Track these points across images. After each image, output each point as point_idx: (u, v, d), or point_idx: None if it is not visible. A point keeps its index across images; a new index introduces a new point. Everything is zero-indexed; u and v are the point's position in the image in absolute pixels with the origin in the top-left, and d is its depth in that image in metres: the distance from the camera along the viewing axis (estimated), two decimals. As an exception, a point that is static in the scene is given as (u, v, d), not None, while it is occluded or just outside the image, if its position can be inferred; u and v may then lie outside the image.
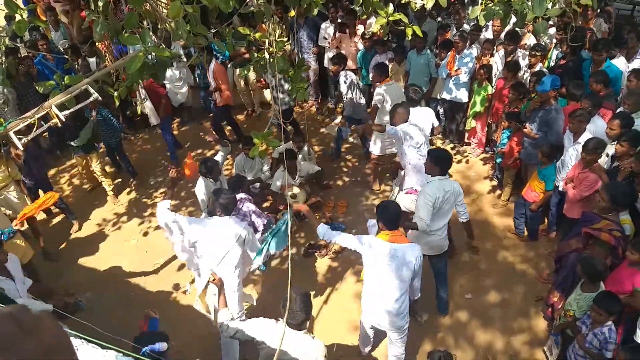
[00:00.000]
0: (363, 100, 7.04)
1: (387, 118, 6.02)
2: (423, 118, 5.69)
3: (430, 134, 5.92)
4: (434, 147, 5.72)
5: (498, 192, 6.52)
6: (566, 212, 4.99)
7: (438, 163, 4.32)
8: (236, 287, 4.20)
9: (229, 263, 4.09)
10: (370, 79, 7.42)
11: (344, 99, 7.10)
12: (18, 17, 3.07)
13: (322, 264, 5.64)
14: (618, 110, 5.09)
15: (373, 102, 6.43)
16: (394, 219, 3.69)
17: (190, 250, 4.28)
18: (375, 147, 6.45)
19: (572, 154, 4.91)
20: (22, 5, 3.27)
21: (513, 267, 5.44)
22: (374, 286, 3.84)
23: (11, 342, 0.65)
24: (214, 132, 7.94)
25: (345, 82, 6.82)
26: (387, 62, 7.35)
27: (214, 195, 4.78)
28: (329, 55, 8.09)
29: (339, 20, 7.96)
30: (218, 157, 5.96)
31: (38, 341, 0.69)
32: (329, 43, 7.95)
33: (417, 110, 5.73)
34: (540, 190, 5.21)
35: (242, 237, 4.11)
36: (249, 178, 6.53)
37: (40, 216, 6.62)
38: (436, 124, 6.05)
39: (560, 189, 5.10)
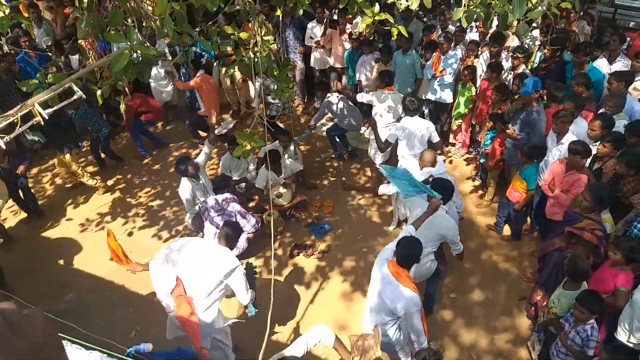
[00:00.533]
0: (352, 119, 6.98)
1: (385, 122, 6.12)
2: (420, 129, 5.58)
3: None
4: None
5: (481, 192, 6.59)
6: (550, 216, 5.01)
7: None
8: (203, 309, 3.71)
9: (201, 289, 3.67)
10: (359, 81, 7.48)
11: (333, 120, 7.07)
12: (0, 14, 3.03)
13: (309, 263, 5.64)
14: (599, 111, 5.17)
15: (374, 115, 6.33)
16: (405, 260, 3.48)
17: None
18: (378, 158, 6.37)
19: (555, 154, 4.97)
20: (4, 2, 3.21)
21: (496, 266, 5.50)
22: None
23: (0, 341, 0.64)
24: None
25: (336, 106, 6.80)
26: (373, 62, 7.39)
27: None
28: (315, 55, 8.10)
29: (334, 17, 7.97)
30: (201, 156, 5.96)
31: (27, 340, 0.68)
32: (316, 43, 7.96)
33: (415, 120, 5.60)
34: (523, 190, 5.27)
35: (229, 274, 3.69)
36: (234, 178, 6.52)
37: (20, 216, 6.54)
38: (435, 139, 5.71)
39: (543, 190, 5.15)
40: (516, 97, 5.68)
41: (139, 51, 2.70)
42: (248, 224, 5.49)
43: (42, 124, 3.15)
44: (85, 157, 7.69)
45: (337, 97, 6.82)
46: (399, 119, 5.93)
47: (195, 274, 3.59)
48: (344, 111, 6.83)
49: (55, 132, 6.55)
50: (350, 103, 6.94)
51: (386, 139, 5.74)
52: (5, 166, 5.84)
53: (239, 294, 3.72)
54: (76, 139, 6.81)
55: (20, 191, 6.27)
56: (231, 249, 3.81)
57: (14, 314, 0.70)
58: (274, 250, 5.81)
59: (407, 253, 3.44)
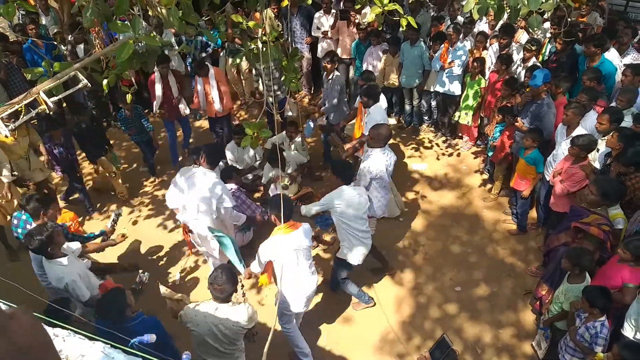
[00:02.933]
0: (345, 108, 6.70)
1: None
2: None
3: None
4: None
5: (489, 185, 6.54)
6: (552, 207, 5.04)
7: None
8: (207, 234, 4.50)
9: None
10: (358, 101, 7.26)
11: (326, 102, 6.59)
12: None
13: (313, 254, 5.62)
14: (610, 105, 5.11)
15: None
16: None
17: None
18: None
19: (564, 147, 4.92)
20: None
21: (502, 260, 5.47)
22: None
23: None
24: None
25: (336, 84, 6.38)
26: (381, 54, 7.33)
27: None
28: (323, 45, 8.03)
29: (342, 7, 7.89)
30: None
31: (9, 341, 0.64)
32: (323, 33, 7.90)
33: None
34: (530, 174, 5.23)
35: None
36: (239, 168, 6.49)
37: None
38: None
39: (548, 181, 5.11)
40: (527, 89, 5.61)
41: (143, 41, 2.67)
42: (253, 215, 5.46)
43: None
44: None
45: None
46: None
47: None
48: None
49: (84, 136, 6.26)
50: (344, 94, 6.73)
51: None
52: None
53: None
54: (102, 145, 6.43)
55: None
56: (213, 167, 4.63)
57: None
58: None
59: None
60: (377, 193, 4.99)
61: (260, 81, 7.07)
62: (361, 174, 4.87)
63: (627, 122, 4.70)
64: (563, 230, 4.32)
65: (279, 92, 6.92)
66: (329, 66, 6.39)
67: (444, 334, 4.21)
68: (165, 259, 5.73)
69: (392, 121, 7.95)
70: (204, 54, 7.88)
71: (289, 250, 3.84)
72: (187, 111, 6.91)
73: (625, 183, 4.22)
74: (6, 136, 3.11)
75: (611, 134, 4.45)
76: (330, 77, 6.42)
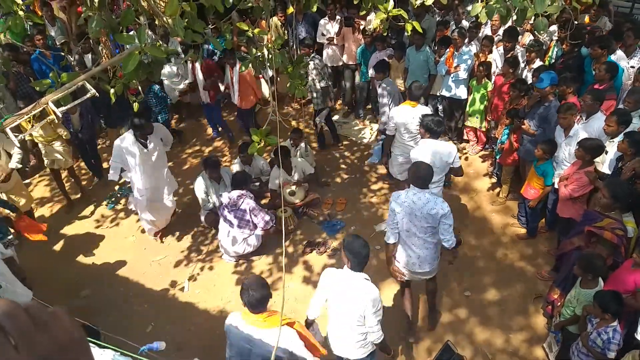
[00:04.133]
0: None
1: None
2: (442, 153, 4.87)
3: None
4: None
5: (497, 189, 6.51)
6: (559, 212, 4.99)
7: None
8: None
9: None
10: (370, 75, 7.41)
11: (381, 111, 6.73)
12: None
13: (321, 261, 5.62)
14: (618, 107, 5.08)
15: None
16: None
17: None
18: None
19: (565, 149, 4.92)
20: (19, 1, 3.23)
21: (512, 264, 5.44)
22: None
23: (24, 337, 0.62)
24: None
25: (386, 92, 6.51)
26: (386, 59, 7.34)
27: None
28: (328, 51, 8.06)
29: (345, 14, 7.94)
30: (236, 167, 6.04)
31: (51, 338, 0.66)
32: (328, 39, 7.92)
33: (437, 144, 4.89)
34: (540, 186, 5.19)
35: None
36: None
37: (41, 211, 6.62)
38: (457, 164, 4.92)
39: (555, 186, 5.09)
40: (535, 91, 5.59)
41: (148, 52, 2.69)
42: (262, 221, 5.48)
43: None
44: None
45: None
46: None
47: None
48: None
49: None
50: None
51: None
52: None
53: None
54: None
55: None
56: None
57: (39, 311, 0.67)
58: (286, 247, 5.81)
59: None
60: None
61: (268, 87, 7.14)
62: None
63: (635, 123, 4.67)
64: (576, 234, 4.28)
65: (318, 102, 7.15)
66: (306, 50, 6.90)
67: (448, 341, 4.16)
68: (173, 266, 5.74)
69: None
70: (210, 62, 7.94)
71: None
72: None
73: (636, 187, 4.18)
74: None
75: (622, 139, 4.41)
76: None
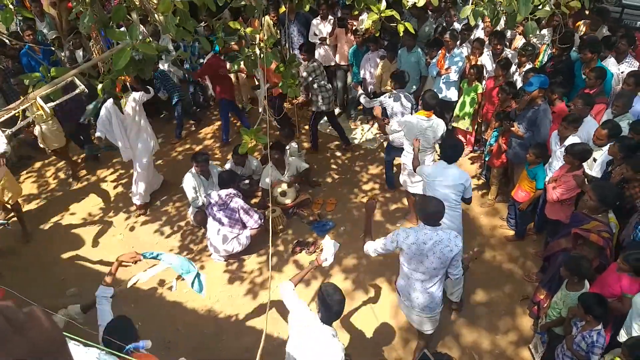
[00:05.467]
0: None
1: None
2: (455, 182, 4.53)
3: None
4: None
5: (485, 191, 6.55)
6: (547, 214, 5.04)
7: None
8: None
9: None
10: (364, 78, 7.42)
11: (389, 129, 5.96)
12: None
13: (310, 260, 5.61)
14: (605, 120, 5.11)
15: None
16: None
17: None
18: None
19: (559, 156, 4.95)
20: (7, -5, 3.20)
21: (500, 266, 5.47)
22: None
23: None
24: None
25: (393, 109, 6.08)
26: (378, 60, 7.36)
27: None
28: (320, 51, 8.06)
29: (339, 15, 7.94)
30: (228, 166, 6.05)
31: (28, 340, 0.63)
32: (320, 39, 7.93)
33: (452, 171, 4.54)
34: (530, 189, 5.22)
35: None
36: (238, 173, 6.49)
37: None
38: (468, 195, 4.58)
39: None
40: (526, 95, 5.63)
41: (140, 49, 2.68)
42: (251, 220, 5.47)
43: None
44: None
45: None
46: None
47: None
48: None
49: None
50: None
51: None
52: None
53: None
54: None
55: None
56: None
57: (15, 312, 0.65)
58: (275, 247, 5.80)
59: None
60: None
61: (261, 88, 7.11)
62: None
63: (623, 126, 4.71)
64: (563, 235, 4.32)
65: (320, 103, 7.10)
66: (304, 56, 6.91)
67: (424, 350, 4.14)
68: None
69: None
70: (201, 60, 7.91)
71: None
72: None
73: (624, 190, 4.23)
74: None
75: (613, 143, 4.46)
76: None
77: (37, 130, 6.49)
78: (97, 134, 5.99)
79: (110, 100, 5.76)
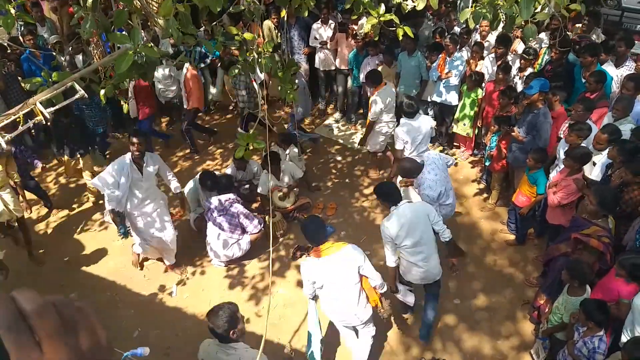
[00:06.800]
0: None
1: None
2: (425, 128, 5.65)
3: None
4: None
5: (486, 195, 6.54)
6: (548, 219, 5.01)
7: (385, 198, 4.22)
8: None
9: None
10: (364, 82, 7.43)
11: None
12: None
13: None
14: (606, 124, 5.10)
15: (371, 117, 6.31)
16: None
17: None
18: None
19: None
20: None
21: (500, 270, 5.45)
22: None
23: (51, 339, 0.55)
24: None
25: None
26: (377, 64, 7.36)
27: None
28: (320, 55, 8.07)
29: (340, 20, 7.95)
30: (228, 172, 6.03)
31: (78, 342, 0.58)
32: (321, 43, 7.94)
33: (418, 121, 5.63)
34: (531, 194, 5.20)
35: None
36: (238, 178, 6.49)
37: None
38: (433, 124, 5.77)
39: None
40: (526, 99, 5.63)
41: (142, 52, 2.68)
42: (251, 225, 5.46)
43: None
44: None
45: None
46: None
47: None
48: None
49: (63, 132, 6.39)
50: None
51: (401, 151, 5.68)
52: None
53: None
54: (87, 142, 6.60)
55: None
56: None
57: (68, 307, 0.59)
58: (277, 251, 5.79)
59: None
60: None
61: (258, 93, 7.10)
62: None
63: (623, 130, 4.70)
64: (564, 240, 4.31)
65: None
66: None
67: (422, 358, 4.14)
68: (161, 271, 5.68)
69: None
70: (202, 65, 7.92)
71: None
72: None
73: (623, 194, 4.22)
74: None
75: (612, 146, 4.46)
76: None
77: None
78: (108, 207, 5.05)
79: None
